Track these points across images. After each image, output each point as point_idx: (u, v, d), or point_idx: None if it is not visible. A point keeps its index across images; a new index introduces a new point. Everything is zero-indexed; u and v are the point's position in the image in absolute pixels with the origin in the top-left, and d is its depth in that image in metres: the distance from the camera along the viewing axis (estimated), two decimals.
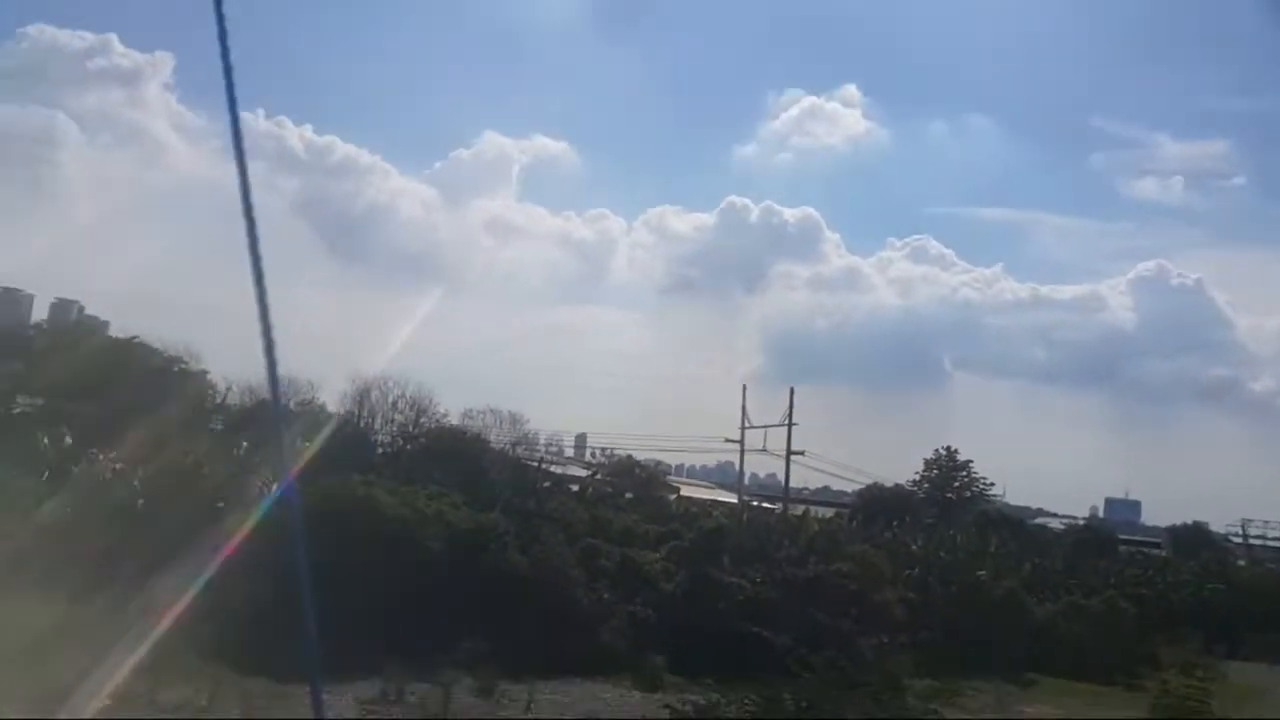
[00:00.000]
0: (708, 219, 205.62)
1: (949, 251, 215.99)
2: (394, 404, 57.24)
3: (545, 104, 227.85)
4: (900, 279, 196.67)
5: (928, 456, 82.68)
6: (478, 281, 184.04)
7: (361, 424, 56.98)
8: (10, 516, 25.95)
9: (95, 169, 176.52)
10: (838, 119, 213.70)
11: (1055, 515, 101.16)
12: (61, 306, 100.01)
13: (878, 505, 70.89)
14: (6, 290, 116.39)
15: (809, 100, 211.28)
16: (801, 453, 65.36)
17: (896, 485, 78.96)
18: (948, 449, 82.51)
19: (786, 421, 64.77)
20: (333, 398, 57.91)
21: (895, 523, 60.21)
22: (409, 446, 54.88)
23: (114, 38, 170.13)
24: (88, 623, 21.34)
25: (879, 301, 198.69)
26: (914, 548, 50.81)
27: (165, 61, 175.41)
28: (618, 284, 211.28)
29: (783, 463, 65.18)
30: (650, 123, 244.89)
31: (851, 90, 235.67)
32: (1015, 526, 70.80)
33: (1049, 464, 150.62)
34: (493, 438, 57.10)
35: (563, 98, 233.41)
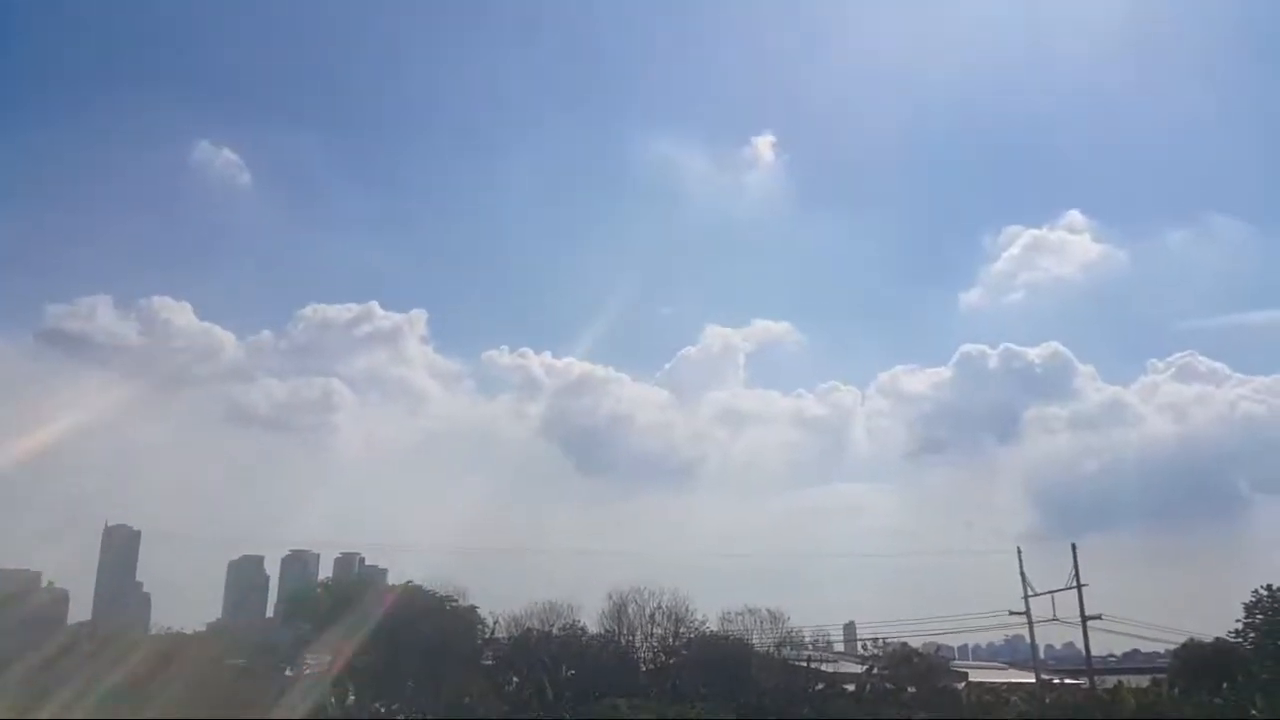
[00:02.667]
0: (944, 373, 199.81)
1: (1219, 365, 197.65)
2: (651, 616, 56.77)
3: (762, 288, 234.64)
4: (1171, 403, 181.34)
5: (1246, 600, 72.61)
6: (718, 475, 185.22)
7: (622, 641, 56.71)
8: None
9: (367, 425, 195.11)
10: (1066, 248, 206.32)
11: None
12: (344, 561, 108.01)
13: (1199, 665, 62.27)
14: (294, 553, 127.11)
15: (1030, 234, 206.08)
16: (1098, 616, 58.70)
17: (1217, 639, 69.31)
18: (1269, 587, 72.27)
19: (1074, 583, 58.85)
20: (592, 617, 58.30)
21: (1225, 684, 52.43)
22: (671, 660, 53.81)
23: (375, 304, 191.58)
24: None
25: (1151, 431, 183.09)
26: (1254, 711, 43.83)
27: (419, 317, 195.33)
28: (860, 456, 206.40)
29: (1079, 630, 58.84)
30: (867, 287, 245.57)
31: (1075, 216, 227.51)
32: None
33: None
34: (755, 639, 55.09)
35: (778, 279, 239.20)
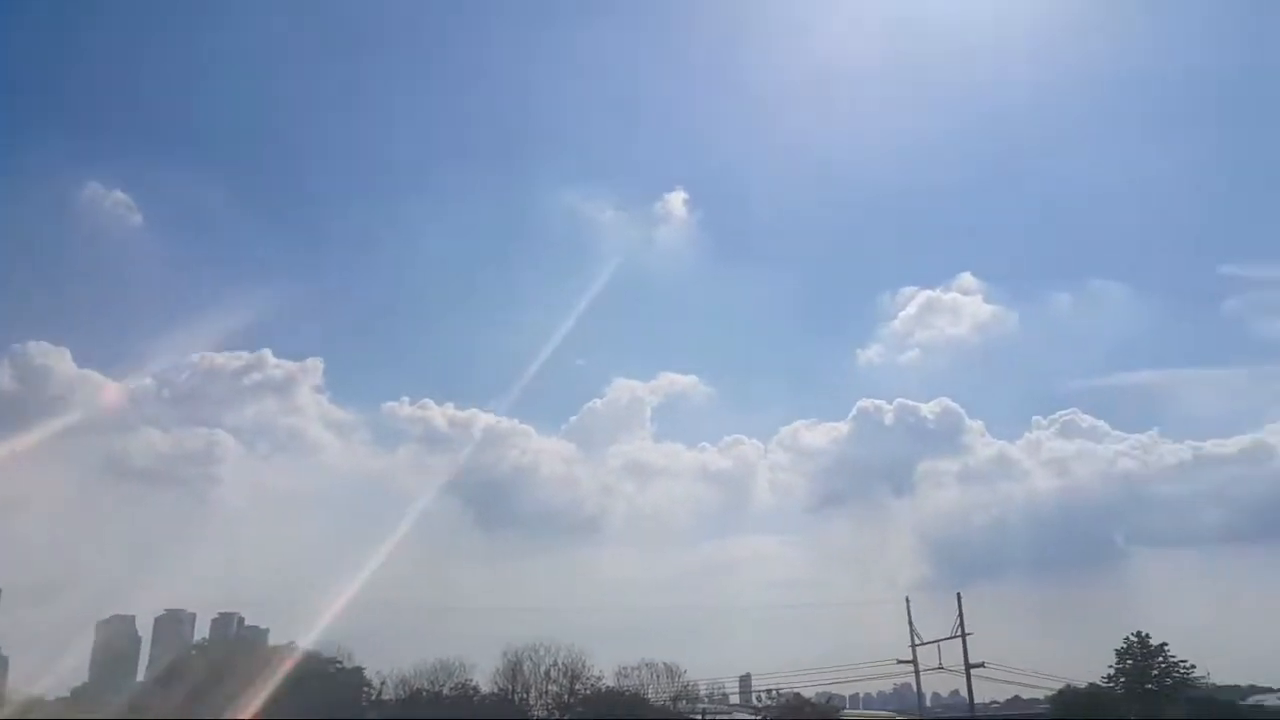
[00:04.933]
0: (842, 427, 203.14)
1: (1099, 422, 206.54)
2: (547, 673, 56.07)
3: (670, 342, 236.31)
4: (1054, 458, 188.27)
5: (1118, 646, 75.97)
6: (623, 528, 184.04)
7: (516, 699, 55.73)
8: None
9: (255, 478, 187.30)
10: (959, 308, 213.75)
11: (1272, 690, 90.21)
12: (222, 621, 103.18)
13: (1076, 710, 64.66)
14: (169, 612, 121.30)
15: (925, 295, 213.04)
16: (981, 664, 60.45)
17: (1090, 685, 72.22)
18: (1138, 635, 75.79)
19: (960, 633, 60.56)
20: (486, 676, 57.18)
21: None
22: (566, 717, 53.12)
23: (268, 352, 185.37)
24: None
25: (1036, 485, 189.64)
26: None
27: (315, 366, 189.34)
28: (763, 509, 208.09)
29: (964, 677, 60.36)
30: (771, 342, 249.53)
31: (968, 278, 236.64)
32: (1229, 710, 63.28)
33: (1250, 632, 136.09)
34: (651, 694, 54.90)
35: (686, 333, 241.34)
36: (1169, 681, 74.74)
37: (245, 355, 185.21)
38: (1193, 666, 76.92)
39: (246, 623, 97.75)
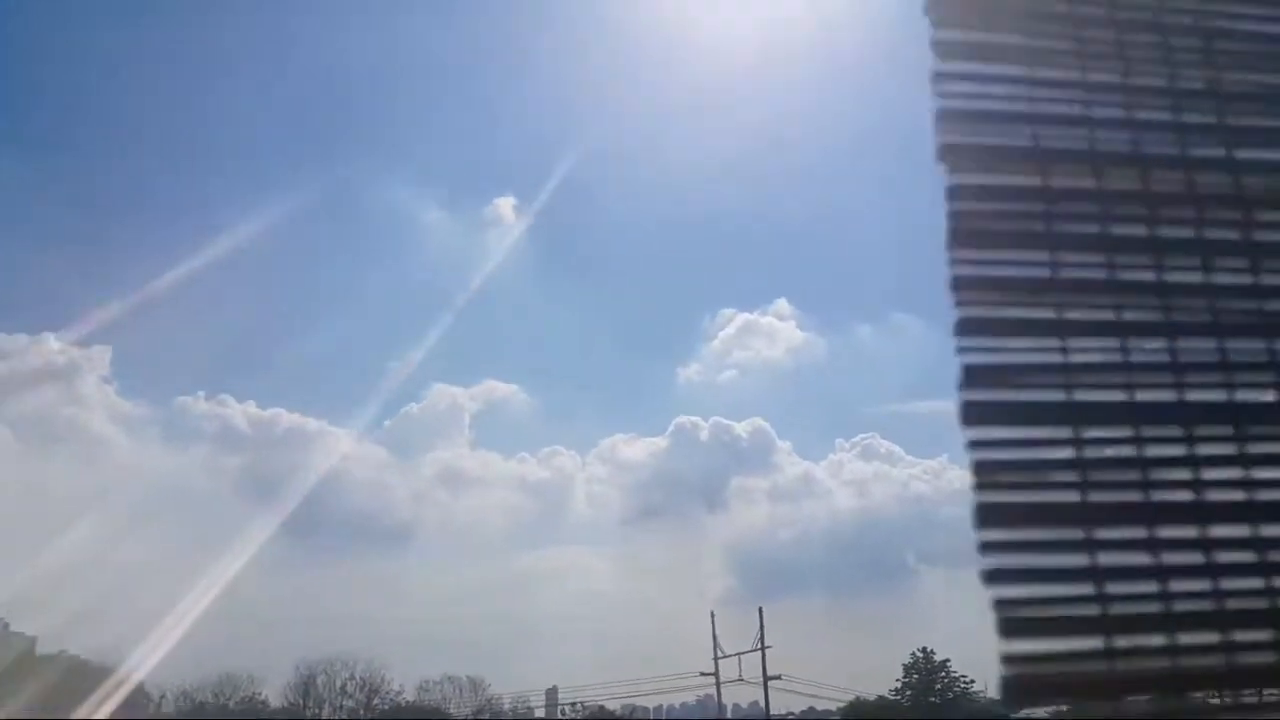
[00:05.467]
0: (660, 442, 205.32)
1: (896, 447, 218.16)
2: (343, 687, 53.98)
3: (493, 349, 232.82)
4: (854, 479, 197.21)
5: (906, 661, 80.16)
6: (436, 537, 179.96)
7: (309, 715, 53.44)
8: None
9: (26, 473, 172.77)
10: (775, 332, 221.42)
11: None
12: None
13: None
14: None
15: (743, 318, 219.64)
16: (778, 676, 62.56)
17: (880, 697, 75.82)
18: (924, 650, 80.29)
19: (759, 645, 62.43)
20: (276, 691, 54.58)
21: None
22: None
23: (50, 336, 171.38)
24: None
25: (837, 505, 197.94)
26: None
27: (102, 354, 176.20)
28: (579, 521, 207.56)
29: (763, 689, 62.28)
30: (595, 356, 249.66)
31: (783, 304, 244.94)
32: None
33: None
34: (454, 708, 53.81)
35: (510, 340, 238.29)
36: (950, 695, 79.43)
37: (23, 338, 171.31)
38: (972, 681, 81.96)
39: (12, 628, 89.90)
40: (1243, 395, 1.78)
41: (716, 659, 64.72)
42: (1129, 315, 1.77)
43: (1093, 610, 1.72)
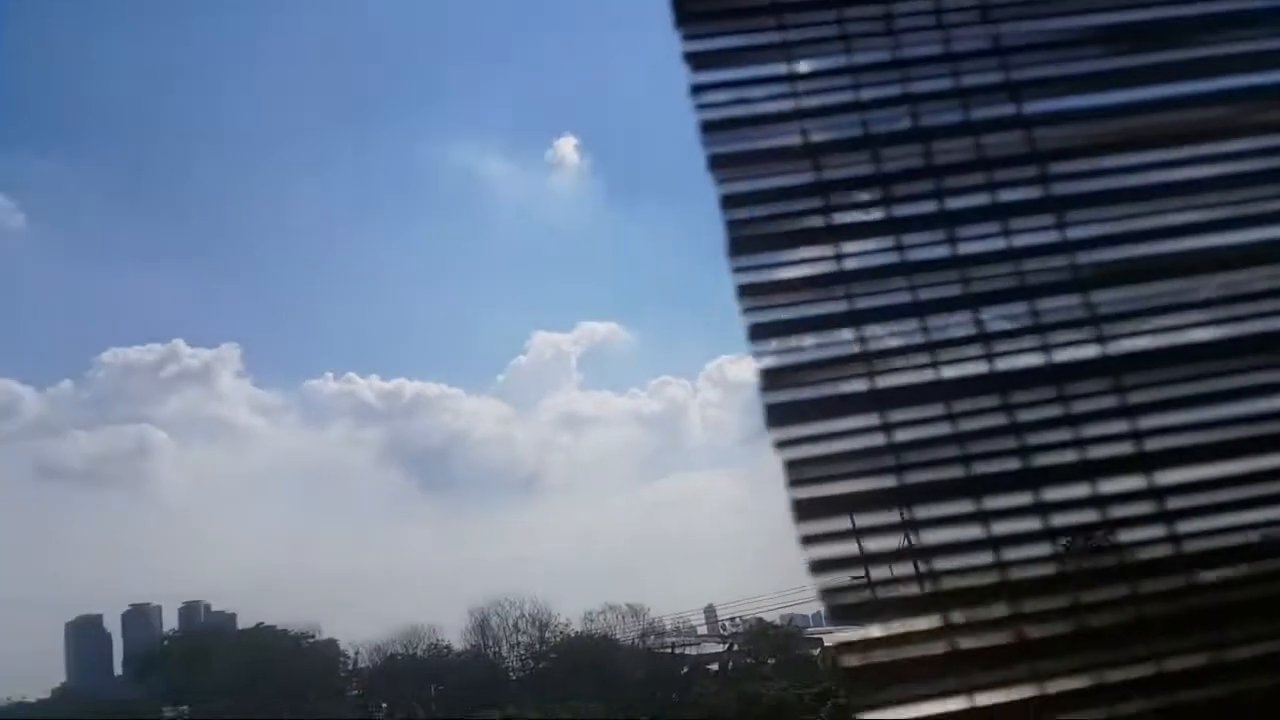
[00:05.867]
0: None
1: None
2: (515, 625, 56.64)
3: (583, 290, 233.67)
4: None
5: None
6: (565, 479, 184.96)
7: (489, 653, 56.36)
8: None
9: (190, 469, 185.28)
10: None
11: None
12: (189, 610, 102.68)
13: None
14: (135, 607, 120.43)
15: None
16: None
17: None
18: None
19: (905, 546, 61.94)
20: (455, 635, 57.74)
21: None
22: (540, 665, 53.88)
23: (180, 342, 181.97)
24: None
25: None
26: None
27: (231, 352, 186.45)
28: (699, 446, 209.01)
29: None
30: (683, 280, 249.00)
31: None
32: None
33: None
34: (619, 634, 55.74)
35: (597, 279, 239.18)
36: None
37: (157, 348, 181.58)
38: None
39: (213, 608, 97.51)
40: (1061, 355, 1.76)
41: (865, 562, 64.47)
42: (924, 294, 1.76)
43: (923, 589, 1.76)
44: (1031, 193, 1.81)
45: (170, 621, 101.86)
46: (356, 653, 59.82)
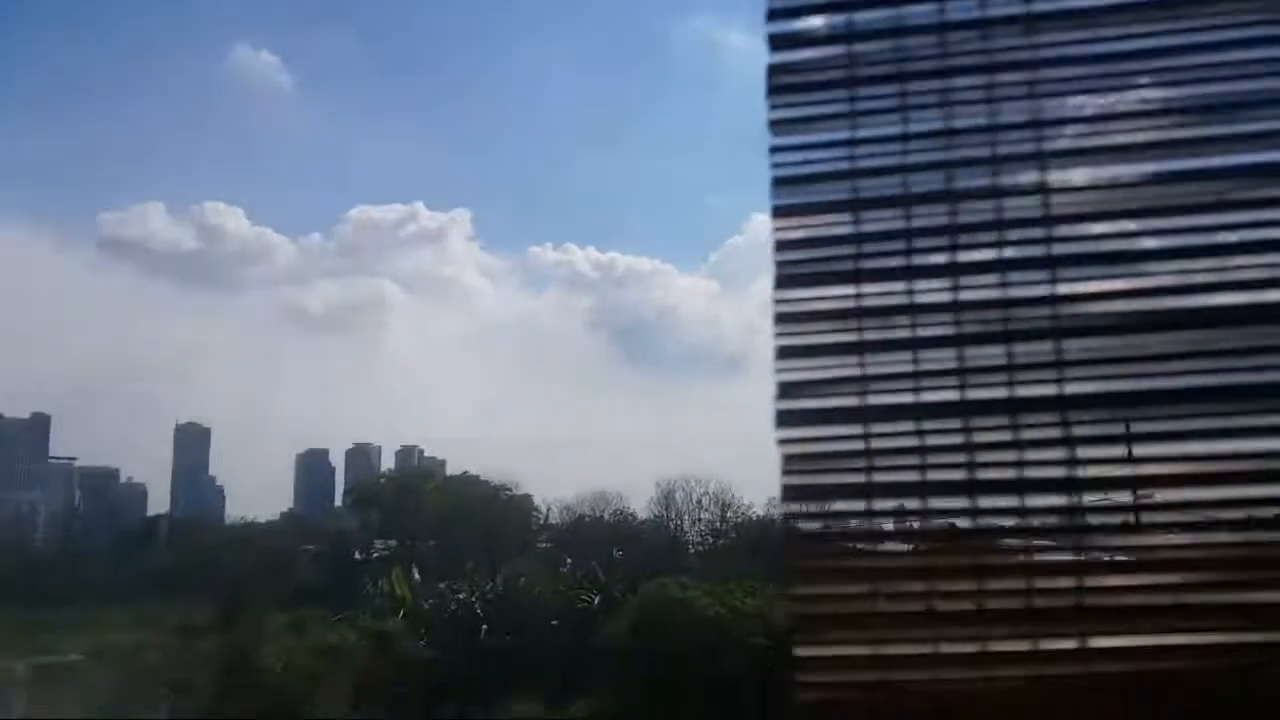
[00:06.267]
0: None
1: None
2: (699, 502, 58.64)
3: None
4: None
5: None
6: (766, 365, 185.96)
7: (671, 526, 58.82)
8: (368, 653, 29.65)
9: (419, 324, 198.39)
10: None
11: None
12: (405, 454, 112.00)
13: None
14: (358, 446, 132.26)
15: None
16: None
17: None
18: None
19: None
20: (641, 504, 60.50)
21: None
22: (719, 543, 55.81)
23: (420, 205, 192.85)
24: None
25: None
26: None
27: (464, 217, 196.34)
28: None
29: None
30: None
31: None
32: None
33: None
34: (802, 523, 56.69)
35: None
36: None
37: (400, 208, 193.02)
38: None
39: (426, 454, 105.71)
40: (1021, 391, 2.17)
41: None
42: (922, 331, 2.20)
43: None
44: (1033, 251, 2.19)
45: (388, 461, 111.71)
46: (548, 509, 63.67)
